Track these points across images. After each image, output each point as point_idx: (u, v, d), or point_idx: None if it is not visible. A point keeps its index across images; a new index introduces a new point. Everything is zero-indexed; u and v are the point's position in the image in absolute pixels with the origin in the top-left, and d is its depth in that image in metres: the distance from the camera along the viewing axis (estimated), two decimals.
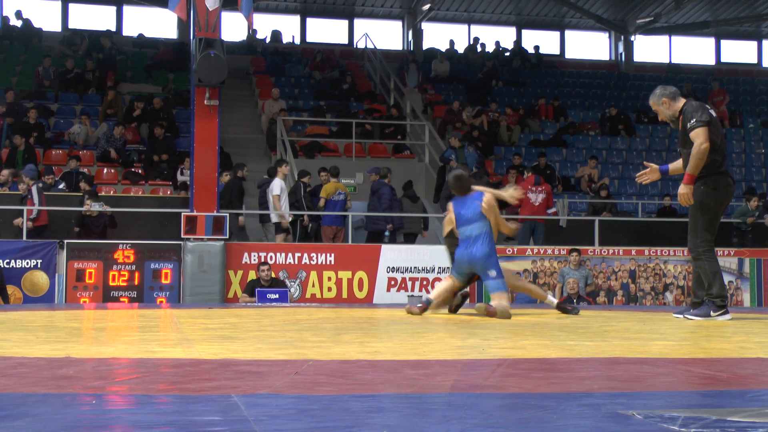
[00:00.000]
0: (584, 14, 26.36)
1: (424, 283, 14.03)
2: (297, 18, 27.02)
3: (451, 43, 26.46)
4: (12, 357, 4.05)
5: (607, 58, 28.38)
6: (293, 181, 16.09)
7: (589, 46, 28.62)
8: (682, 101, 7.09)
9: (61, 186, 15.75)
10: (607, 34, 28.33)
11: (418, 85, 22.49)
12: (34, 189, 13.99)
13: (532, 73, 25.70)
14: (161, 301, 12.99)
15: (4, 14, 24.54)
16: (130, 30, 25.31)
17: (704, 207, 6.95)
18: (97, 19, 25.19)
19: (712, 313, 6.93)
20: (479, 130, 20.41)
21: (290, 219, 14.87)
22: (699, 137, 6.75)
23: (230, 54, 15.82)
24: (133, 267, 13.16)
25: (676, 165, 7.36)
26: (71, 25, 24.97)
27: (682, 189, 6.85)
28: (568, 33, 28.67)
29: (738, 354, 4.36)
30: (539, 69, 26.21)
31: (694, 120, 6.80)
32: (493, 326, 6.47)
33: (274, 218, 14.82)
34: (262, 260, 13.37)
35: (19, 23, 23.83)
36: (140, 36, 24.60)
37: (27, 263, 12.96)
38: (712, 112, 7.02)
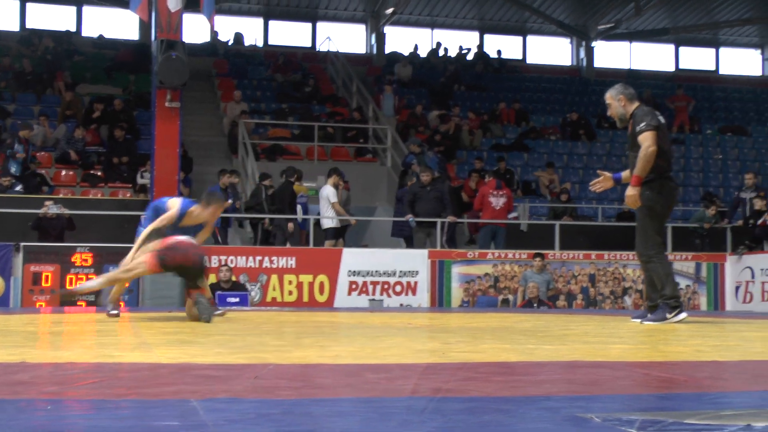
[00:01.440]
0: (546, 19, 26.54)
1: (386, 287, 14.03)
2: (260, 20, 26.94)
3: (415, 47, 26.52)
4: None
5: (569, 64, 28.59)
6: (254, 184, 16.02)
7: (551, 51, 28.82)
8: (635, 104, 7.20)
9: (18, 188, 15.56)
10: (569, 40, 28.55)
11: (396, 108, 21.89)
12: None
13: (495, 78, 25.82)
14: (120, 305, 12.86)
15: None
16: (90, 30, 25.08)
17: (652, 211, 7.08)
18: (56, 19, 24.93)
19: (668, 316, 7.01)
20: (442, 134, 20.47)
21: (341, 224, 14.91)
22: (647, 141, 6.88)
23: (192, 56, 15.75)
24: (92, 270, 13.01)
25: (628, 173, 7.42)
26: (29, 25, 24.69)
27: (630, 191, 6.97)
28: (530, 38, 28.84)
29: (695, 357, 4.40)
30: (501, 73, 26.34)
31: (644, 124, 6.92)
32: (454, 330, 6.49)
33: (328, 223, 14.73)
34: (222, 263, 13.30)
35: None
36: (100, 37, 24.38)
37: None
38: (661, 118, 7.16)
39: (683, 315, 7.08)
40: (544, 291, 14.14)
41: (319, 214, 15.20)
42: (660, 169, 7.02)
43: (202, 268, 7.51)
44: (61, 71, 21.09)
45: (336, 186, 14.91)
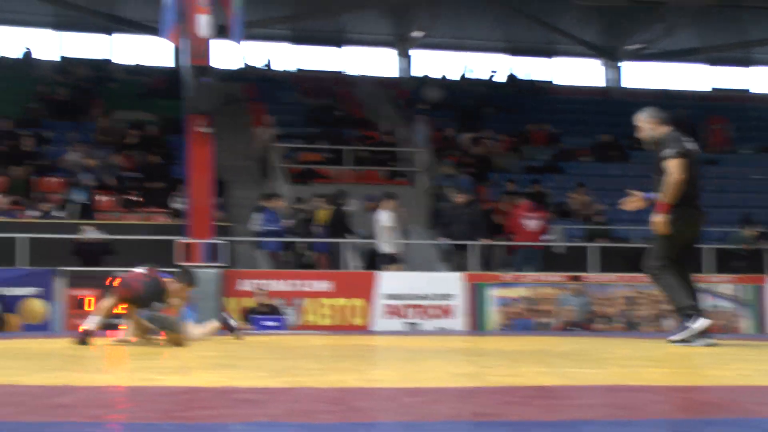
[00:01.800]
0: (574, 41, 26.51)
1: (422, 310, 14.00)
2: (289, 45, 27.13)
3: (444, 69, 26.59)
4: (10, 385, 4.04)
5: (599, 84, 28.50)
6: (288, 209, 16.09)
7: (580, 72, 28.77)
8: (666, 128, 7.21)
9: (58, 214, 15.75)
10: (598, 61, 28.48)
11: (427, 139, 21.34)
12: None
13: (524, 100, 25.79)
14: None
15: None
16: (124, 58, 25.39)
17: (668, 236, 7.06)
18: (92, 48, 25.28)
19: (690, 325, 6.94)
20: (473, 156, 20.46)
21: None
22: (672, 168, 6.92)
23: (223, 81, 15.88)
24: None
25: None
26: (65, 54, 25.04)
27: (657, 218, 7.00)
28: (558, 59, 28.81)
29: (738, 381, 4.35)
30: (531, 95, 26.31)
31: (670, 150, 6.95)
32: (491, 353, 6.46)
33: (385, 248, 14.74)
34: (258, 287, 13.35)
35: (17, 54, 24.01)
36: (135, 64, 24.68)
37: (25, 291, 12.93)
38: (689, 144, 7.17)
39: (703, 321, 6.99)
40: (581, 314, 14.03)
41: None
42: (685, 197, 7.03)
43: (149, 296, 7.48)
44: (97, 98, 21.35)
45: (392, 211, 14.91)
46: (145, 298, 7.37)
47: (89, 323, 7.41)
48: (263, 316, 12.75)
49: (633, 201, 7.47)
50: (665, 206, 6.99)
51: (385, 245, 14.79)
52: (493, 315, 14.23)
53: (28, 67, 23.62)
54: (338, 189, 16.24)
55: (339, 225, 15.26)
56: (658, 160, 7.09)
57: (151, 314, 7.15)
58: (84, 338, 7.25)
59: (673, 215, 7.01)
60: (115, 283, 7.55)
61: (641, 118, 7.31)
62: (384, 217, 14.86)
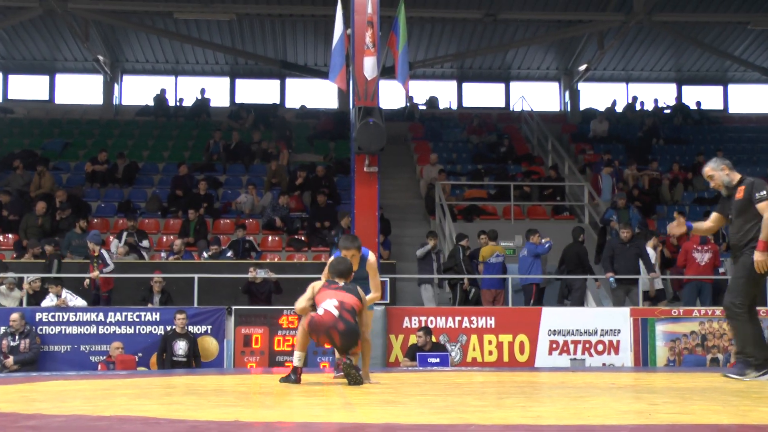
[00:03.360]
0: (749, 67, 25.59)
1: (587, 345, 13.74)
2: (454, 83, 27.35)
3: (613, 102, 26.19)
4: (186, 420, 4.22)
5: None
6: (452, 245, 16.17)
7: (754, 100, 27.69)
8: (738, 175, 7.67)
9: (229, 254, 16.35)
10: None
11: (612, 189, 20.04)
12: (105, 254, 14.58)
13: (695, 130, 25.04)
14: (324, 366, 13.19)
15: (179, 96, 26.07)
16: (292, 102, 26.26)
17: (750, 274, 7.44)
18: (262, 93, 26.28)
19: (747, 372, 7.25)
20: (640, 189, 20.01)
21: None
22: (767, 209, 7.31)
23: (389, 121, 16.14)
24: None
25: (700, 225, 8.14)
26: (238, 100, 26.14)
27: (759, 256, 7.29)
28: (731, 87, 27.84)
29: None
30: (702, 125, 25.53)
31: (762, 193, 7.35)
32: (660, 391, 6.28)
33: (646, 286, 14.99)
34: (422, 325, 13.43)
35: (190, 102, 25.27)
36: (302, 107, 25.48)
37: (198, 329, 13.45)
38: None
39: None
40: None
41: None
42: None
43: (345, 345, 7.02)
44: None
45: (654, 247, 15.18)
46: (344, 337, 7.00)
47: (296, 360, 7.36)
48: (427, 353, 12.80)
49: (678, 225, 7.94)
50: (765, 244, 7.27)
51: (653, 281, 15.10)
52: (661, 351, 13.81)
53: (203, 114, 24.80)
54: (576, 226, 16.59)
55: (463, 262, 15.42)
56: (743, 203, 7.46)
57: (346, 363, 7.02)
58: (293, 375, 7.12)
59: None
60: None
61: (711, 168, 7.69)
62: (652, 254, 15.11)
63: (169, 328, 13.24)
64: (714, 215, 7.99)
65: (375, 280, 7.85)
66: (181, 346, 13.02)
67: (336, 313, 6.96)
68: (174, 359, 12.96)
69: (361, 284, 7.60)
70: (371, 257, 7.90)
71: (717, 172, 7.67)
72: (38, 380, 8.19)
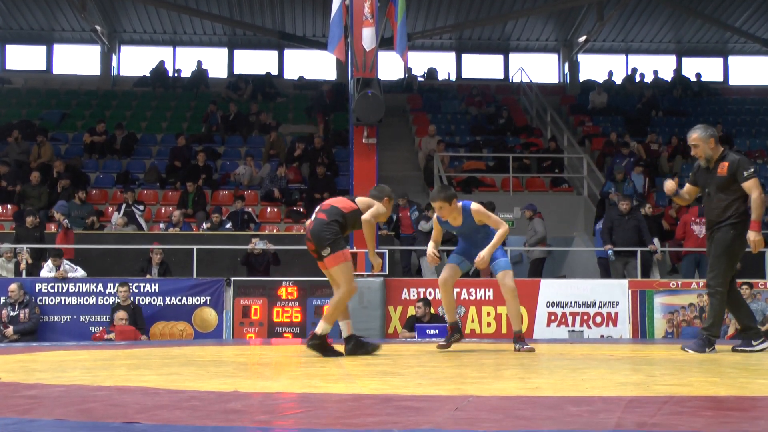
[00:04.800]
0: (749, 38, 25.48)
1: (585, 317, 13.77)
2: (452, 55, 27.24)
3: (609, 74, 26.09)
4: (185, 390, 4.24)
5: None
6: None
7: (754, 71, 27.60)
8: (720, 148, 7.57)
9: (228, 225, 16.35)
10: None
11: (645, 188, 19.01)
12: (66, 223, 15.01)
13: (694, 102, 24.98)
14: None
15: (177, 66, 25.97)
16: (291, 73, 26.16)
17: (730, 251, 7.40)
18: (260, 64, 26.16)
19: (707, 350, 7.27)
20: (639, 161, 19.99)
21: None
22: (755, 188, 7.28)
23: (387, 93, 16.10)
24: (296, 303, 13.47)
25: (683, 191, 7.82)
26: (236, 71, 26.03)
27: (754, 236, 7.31)
28: (731, 58, 27.74)
29: None
30: (701, 97, 25.46)
31: (750, 171, 7.33)
32: (658, 362, 6.30)
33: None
34: (421, 296, 13.45)
35: (188, 73, 25.17)
36: (300, 78, 25.38)
37: (197, 300, 13.48)
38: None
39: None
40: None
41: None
42: (749, 212, 7.36)
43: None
44: (265, 113, 22.09)
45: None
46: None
47: (320, 328, 7.22)
48: (426, 324, 12.82)
49: (671, 184, 7.69)
50: (758, 224, 7.28)
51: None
52: (659, 323, 13.85)
53: (201, 85, 24.70)
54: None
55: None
56: (726, 179, 7.36)
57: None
58: (318, 342, 7.12)
59: (734, 229, 7.37)
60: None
61: (699, 137, 7.54)
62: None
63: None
64: (688, 186, 7.82)
65: (490, 220, 7.75)
66: (120, 317, 12.90)
67: (312, 217, 7.05)
68: None
69: (474, 238, 7.74)
70: (474, 206, 7.77)
71: (702, 143, 7.52)
72: (38, 350, 8.23)
